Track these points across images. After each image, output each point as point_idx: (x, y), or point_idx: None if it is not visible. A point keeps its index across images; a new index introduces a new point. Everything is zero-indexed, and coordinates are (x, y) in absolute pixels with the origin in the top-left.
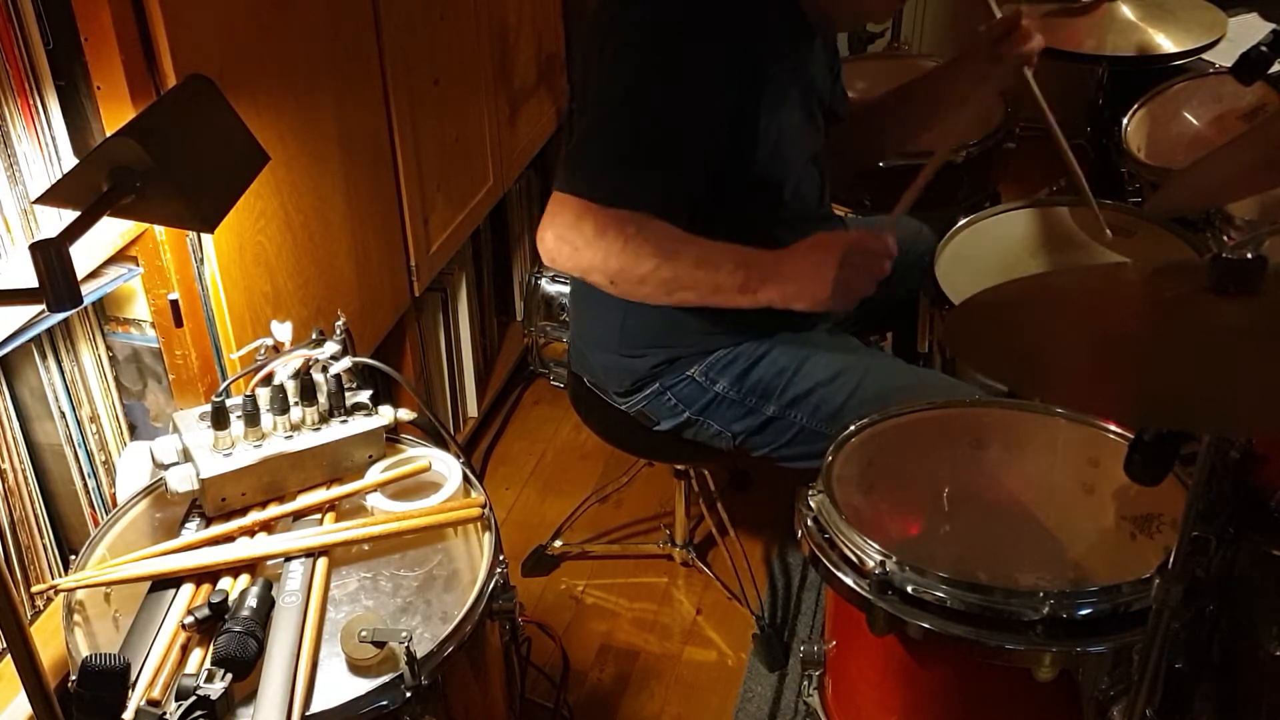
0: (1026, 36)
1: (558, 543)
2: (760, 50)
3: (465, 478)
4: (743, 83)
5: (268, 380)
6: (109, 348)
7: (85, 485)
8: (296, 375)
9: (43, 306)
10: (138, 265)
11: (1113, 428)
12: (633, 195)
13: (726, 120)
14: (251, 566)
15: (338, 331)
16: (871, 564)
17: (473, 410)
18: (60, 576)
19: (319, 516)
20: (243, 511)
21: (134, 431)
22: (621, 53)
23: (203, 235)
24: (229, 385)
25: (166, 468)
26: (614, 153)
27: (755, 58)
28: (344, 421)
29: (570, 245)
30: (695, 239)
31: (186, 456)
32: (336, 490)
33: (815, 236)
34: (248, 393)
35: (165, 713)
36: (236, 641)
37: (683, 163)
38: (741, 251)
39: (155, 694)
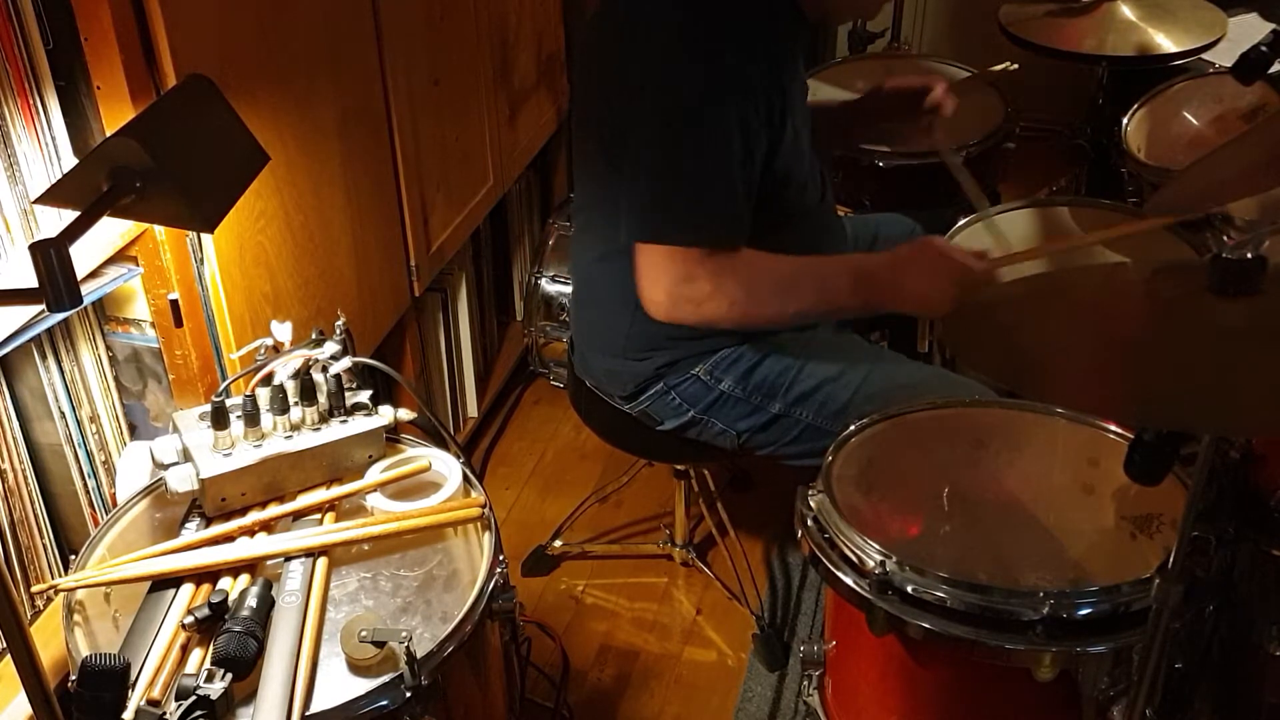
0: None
1: (558, 543)
2: (781, 53)
3: (465, 478)
4: (773, 89)
5: (268, 380)
6: (109, 348)
7: (85, 485)
8: (296, 375)
9: (43, 306)
10: (138, 265)
11: (1113, 428)
12: (726, 232)
13: (766, 129)
14: (251, 566)
15: (338, 331)
16: (871, 564)
17: (473, 410)
18: (60, 576)
19: (319, 516)
20: (243, 511)
21: (134, 431)
22: (667, 86)
23: (203, 235)
24: (229, 385)
25: (166, 468)
26: (688, 192)
27: (780, 62)
28: (344, 421)
29: (691, 303)
30: (805, 264)
31: (186, 456)
32: (336, 490)
33: (921, 248)
34: (248, 393)
35: (165, 713)
36: (236, 641)
37: (745, 184)
38: (854, 272)
39: (155, 694)
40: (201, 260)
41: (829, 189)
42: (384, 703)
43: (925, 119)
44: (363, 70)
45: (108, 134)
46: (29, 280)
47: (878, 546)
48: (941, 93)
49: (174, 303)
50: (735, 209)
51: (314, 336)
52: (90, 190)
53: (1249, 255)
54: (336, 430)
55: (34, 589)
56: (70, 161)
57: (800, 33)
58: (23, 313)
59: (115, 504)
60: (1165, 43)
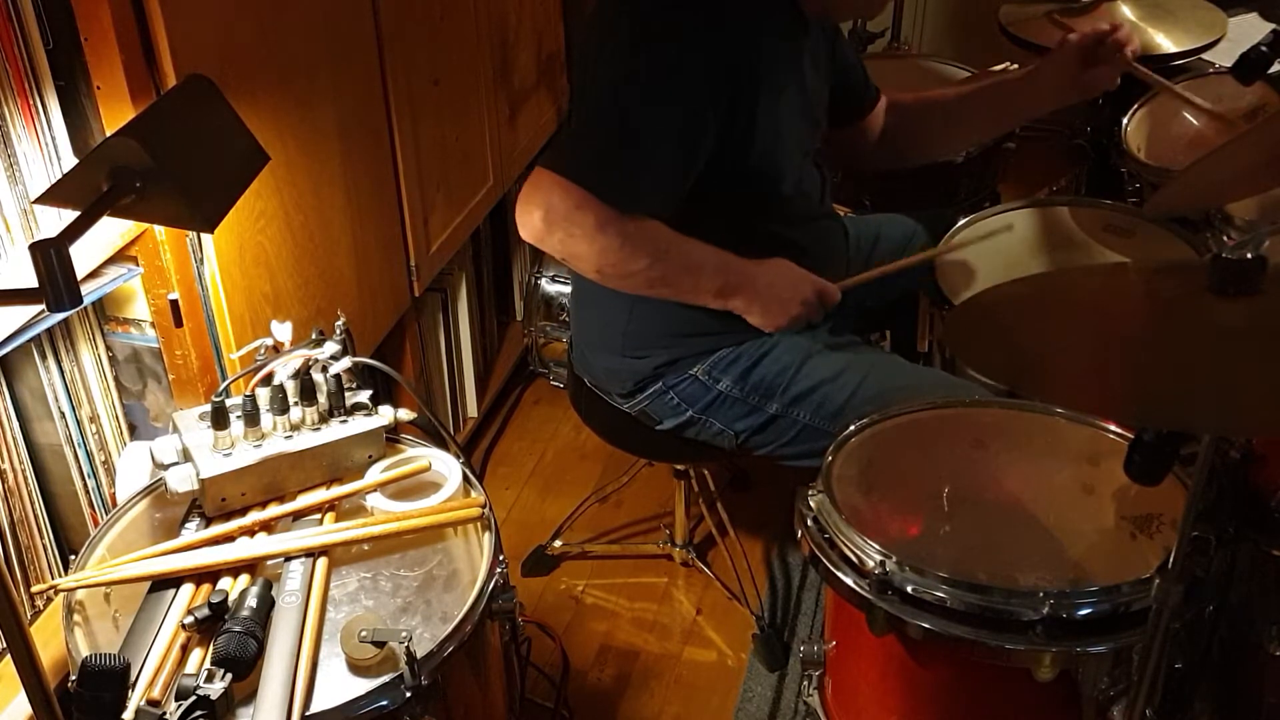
0: (1126, 35)
1: (558, 543)
2: (757, 43)
3: (465, 478)
4: (739, 77)
5: (268, 380)
6: (109, 348)
7: (85, 485)
8: (296, 375)
9: (43, 306)
10: (138, 265)
11: (1113, 428)
12: (634, 196)
13: (721, 117)
14: (251, 566)
15: (338, 331)
16: (871, 564)
17: (473, 410)
18: (60, 576)
19: (319, 516)
20: (243, 511)
21: (134, 431)
22: (622, 46)
23: (203, 235)
24: (229, 385)
25: (166, 468)
26: (615, 148)
27: (752, 51)
28: (344, 421)
29: (564, 231)
30: (683, 240)
31: (186, 456)
32: (336, 490)
33: (786, 265)
34: (247, 393)
35: (165, 713)
36: (236, 641)
37: (680, 164)
38: (723, 258)
39: (155, 694)
40: (201, 260)
41: (829, 189)
42: (384, 703)
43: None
44: (363, 70)
45: (108, 134)
46: (29, 280)
47: (878, 546)
48: (1128, 30)
49: (174, 303)
50: (658, 183)
51: (314, 336)
52: (90, 190)
53: (1249, 255)
54: (336, 430)
55: (34, 589)
56: (70, 161)
57: (799, 31)
58: (23, 313)
59: (115, 504)
60: (1165, 43)
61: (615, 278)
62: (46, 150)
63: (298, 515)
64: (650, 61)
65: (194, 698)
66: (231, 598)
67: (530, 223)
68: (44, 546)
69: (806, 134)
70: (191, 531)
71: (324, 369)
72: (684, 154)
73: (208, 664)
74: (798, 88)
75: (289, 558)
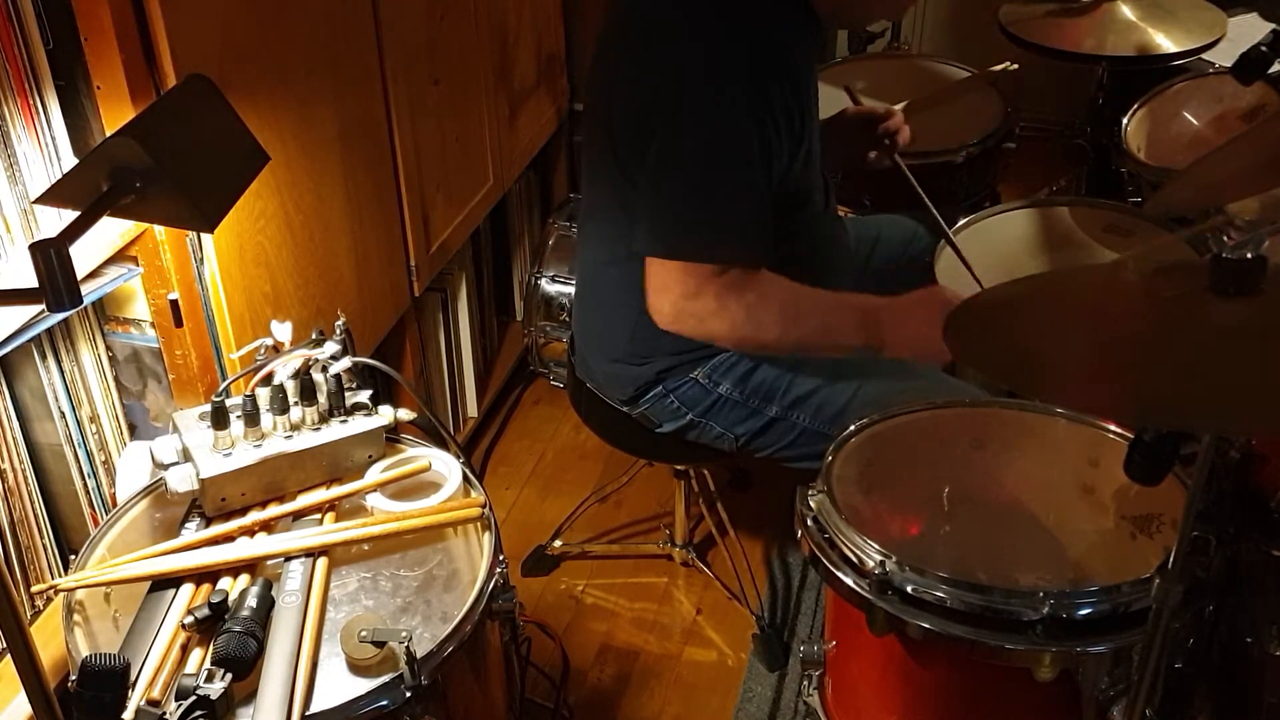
0: (896, 124)
1: (558, 543)
2: (799, 60)
3: (465, 478)
4: (793, 105)
5: (268, 380)
6: (109, 348)
7: (85, 485)
8: (296, 375)
9: (43, 306)
10: (137, 265)
11: (1113, 428)
12: (741, 253)
13: (790, 147)
14: (251, 566)
15: (338, 331)
16: (871, 564)
17: (473, 410)
18: (60, 576)
19: (319, 516)
20: (243, 511)
21: (134, 431)
22: (689, 102)
23: (203, 235)
24: (229, 385)
25: (166, 468)
26: (704, 207)
27: (800, 71)
28: (344, 421)
29: (694, 318)
30: (813, 295)
31: (186, 456)
32: (336, 490)
33: (925, 297)
34: (247, 393)
35: (165, 713)
36: (236, 641)
37: (765, 202)
38: (860, 312)
39: (155, 694)
40: (201, 260)
41: (832, 193)
42: (384, 703)
43: (882, 141)
44: (363, 70)
45: (108, 134)
46: (29, 280)
47: (878, 546)
48: (900, 120)
49: (174, 303)
50: (753, 229)
51: (314, 336)
52: (90, 190)
53: (1249, 255)
54: (336, 430)
55: (34, 589)
56: (70, 161)
57: (814, 40)
58: (23, 313)
59: (115, 504)
60: (1165, 43)
61: (754, 348)
62: (46, 150)
63: (298, 515)
64: (727, 113)
65: (194, 698)
66: (231, 598)
67: (665, 321)
68: (44, 546)
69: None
70: (191, 531)
71: (324, 369)
72: (763, 191)
73: (208, 664)
74: (815, 97)
75: (289, 558)
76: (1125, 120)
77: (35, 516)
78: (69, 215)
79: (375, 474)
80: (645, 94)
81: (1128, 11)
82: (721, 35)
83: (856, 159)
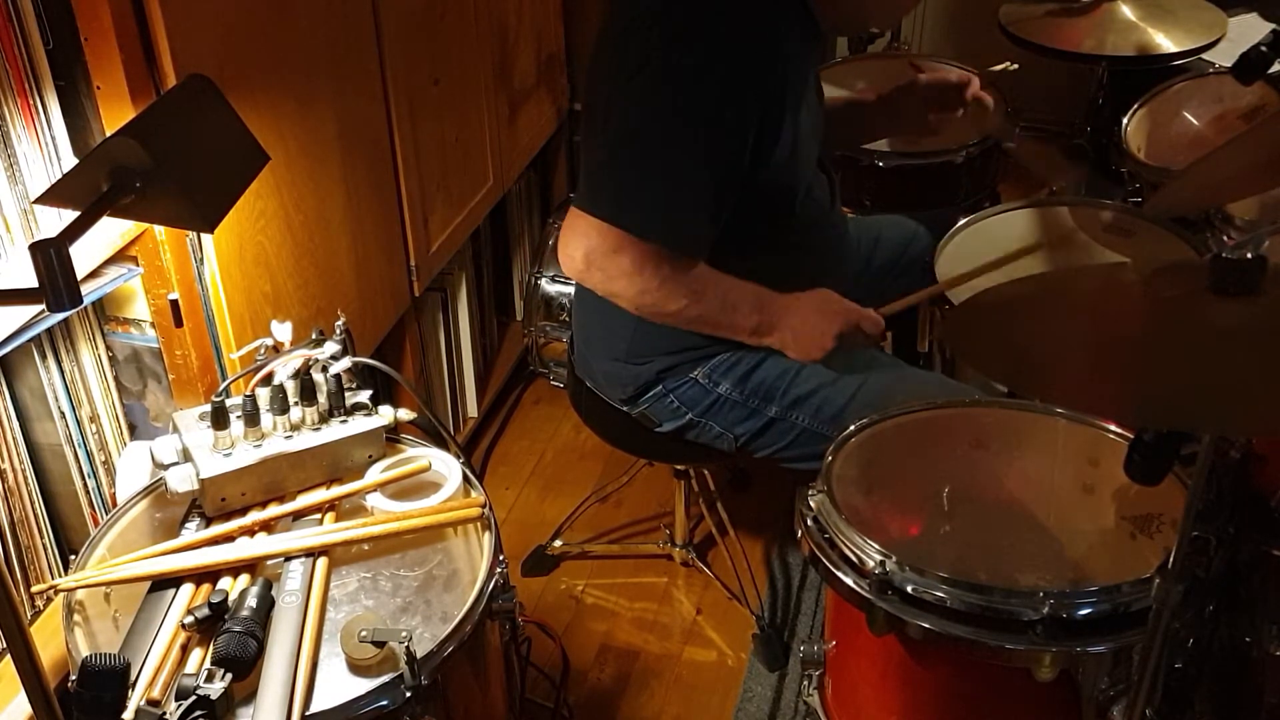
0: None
1: (558, 543)
2: (783, 56)
3: (465, 478)
4: (768, 93)
5: (268, 380)
6: (109, 348)
7: (85, 485)
8: (296, 375)
9: (43, 306)
10: (138, 265)
11: (1113, 428)
12: (671, 234)
13: (753, 137)
14: (251, 566)
15: (338, 331)
16: (871, 564)
17: (473, 410)
18: (60, 576)
19: (319, 516)
20: (243, 511)
21: (134, 431)
22: (653, 76)
23: (203, 235)
24: (229, 385)
25: (166, 468)
26: (648, 184)
27: (779, 66)
28: (344, 421)
29: (603, 272)
30: (720, 278)
31: (186, 456)
32: (336, 490)
33: (824, 296)
34: (247, 393)
35: (165, 713)
36: (236, 641)
37: (716, 196)
38: (759, 295)
39: (155, 694)
40: (201, 260)
41: (837, 193)
42: (384, 703)
43: (963, 111)
44: (363, 70)
45: (108, 134)
46: (29, 280)
47: (878, 546)
48: (979, 85)
49: (174, 303)
50: (696, 222)
51: (314, 336)
52: (90, 190)
53: (1249, 255)
54: (336, 430)
55: (34, 589)
56: (70, 161)
57: (814, 41)
58: (23, 313)
59: (115, 504)
60: (1165, 43)
61: (654, 315)
62: (46, 150)
63: (298, 515)
64: (677, 90)
65: (194, 698)
66: (231, 598)
67: (571, 263)
68: (44, 546)
69: (817, 140)
70: (191, 531)
71: (324, 369)
72: (718, 182)
73: (208, 664)
74: (812, 95)
75: (289, 558)
76: (1125, 120)
77: (35, 516)
78: (69, 215)
79: (375, 474)
80: (626, 68)
81: (1128, 11)
82: (702, 29)
83: (913, 127)
